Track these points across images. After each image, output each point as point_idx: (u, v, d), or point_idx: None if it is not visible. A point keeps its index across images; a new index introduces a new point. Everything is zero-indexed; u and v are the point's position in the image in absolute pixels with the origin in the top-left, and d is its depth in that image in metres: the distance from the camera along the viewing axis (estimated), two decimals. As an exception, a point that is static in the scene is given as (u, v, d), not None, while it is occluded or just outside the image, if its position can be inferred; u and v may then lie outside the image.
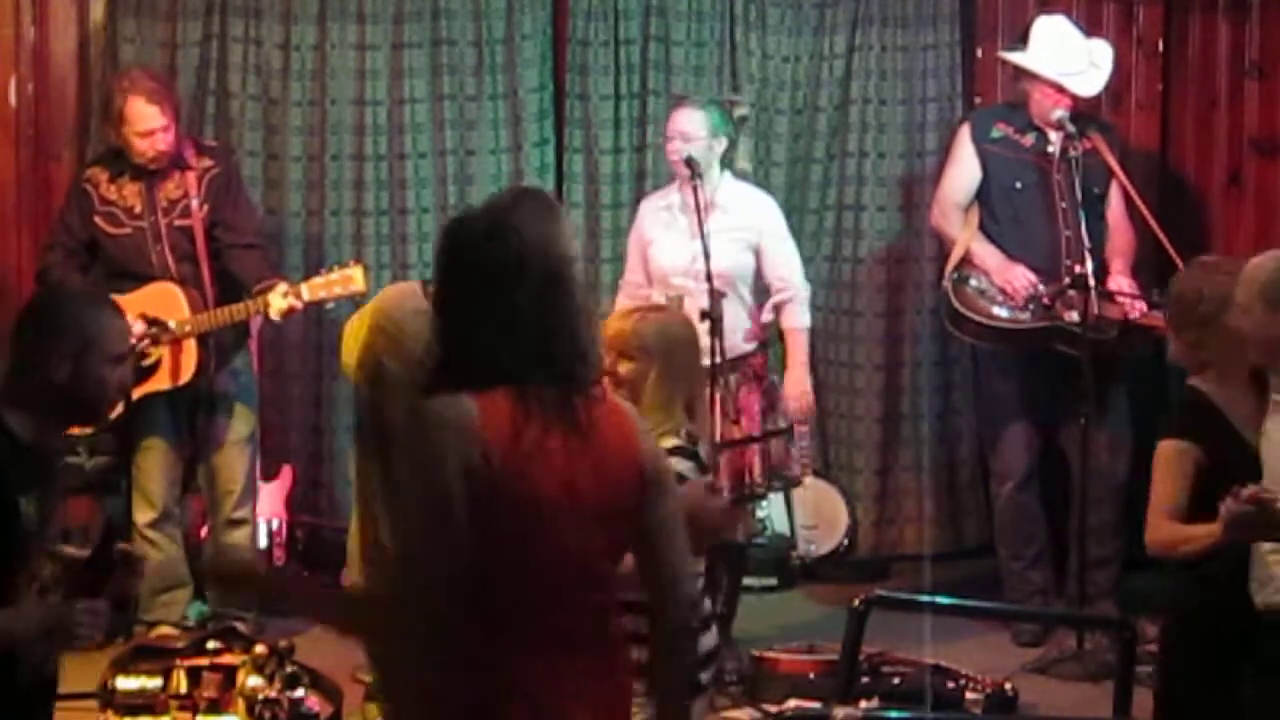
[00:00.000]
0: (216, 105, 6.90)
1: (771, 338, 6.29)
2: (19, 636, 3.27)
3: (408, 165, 7.03)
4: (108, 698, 5.02)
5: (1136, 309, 6.20)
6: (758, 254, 6.16)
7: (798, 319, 6.25)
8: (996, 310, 6.32)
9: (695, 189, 5.89)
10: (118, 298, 5.96)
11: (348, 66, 6.99)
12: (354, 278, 5.87)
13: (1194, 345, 4.07)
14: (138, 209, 6.03)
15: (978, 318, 6.33)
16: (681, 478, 3.57)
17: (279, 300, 5.86)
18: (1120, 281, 6.31)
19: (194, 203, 6.04)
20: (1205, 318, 4.04)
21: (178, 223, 6.03)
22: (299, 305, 5.91)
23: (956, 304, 6.37)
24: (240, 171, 6.44)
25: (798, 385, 6.20)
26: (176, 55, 6.84)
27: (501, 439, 2.76)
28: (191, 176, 6.06)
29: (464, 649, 2.78)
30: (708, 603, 3.94)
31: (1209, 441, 3.96)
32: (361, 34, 6.98)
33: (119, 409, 3.34)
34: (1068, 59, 6.35)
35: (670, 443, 3.78)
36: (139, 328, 5.75)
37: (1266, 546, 3.81)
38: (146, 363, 5.87)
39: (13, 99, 6.74)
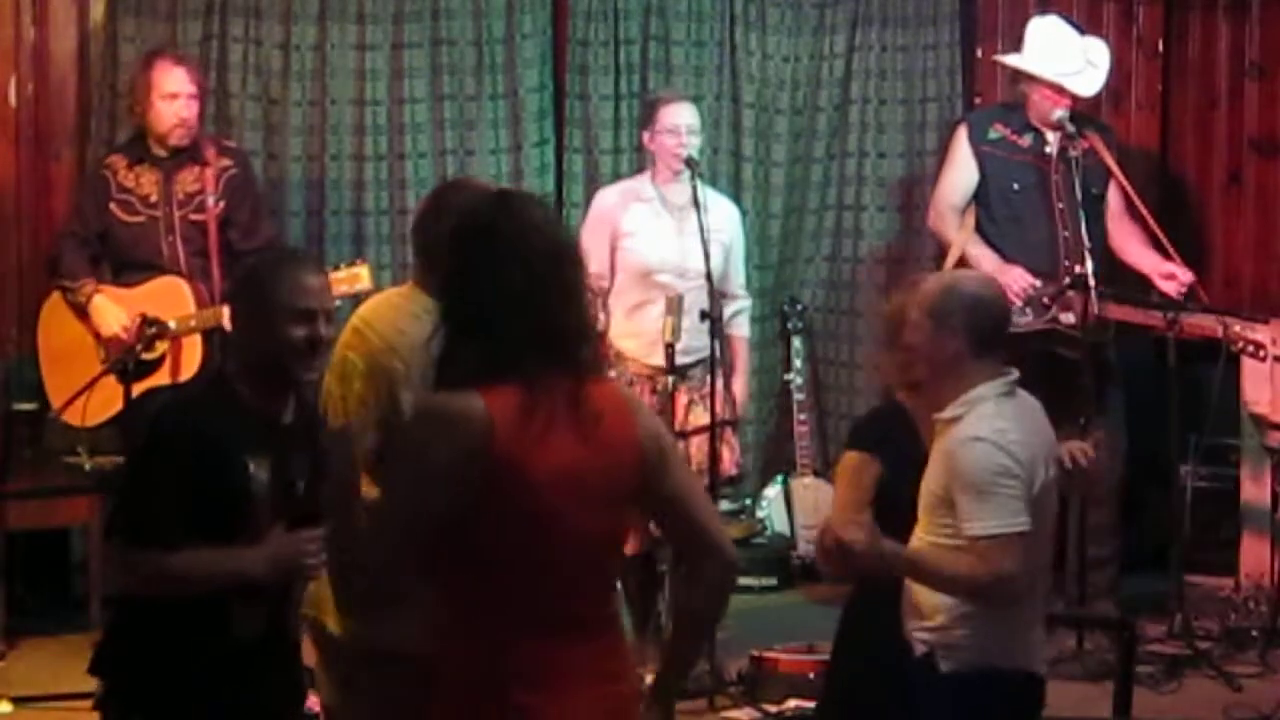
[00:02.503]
0: (216, 105, 6.88)
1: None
2: (248, 571, 3.34)
3: (408, 165, 7.02)
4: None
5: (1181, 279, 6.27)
6: (726, 258, 6.18)
7: (745, 328, 6.35)
8: None
9: (695, 189, 5.87)
10: (124, 290, 6.02)
11: (348, 66, 6.99)
12: (360, 275, 5.88)
13: (903, 365, 3.99)
14: (153, 198, 6.07)
15: None
16: None
17: None
18: (1146, 257, 6.37)
19: (210, 199, 6.07)
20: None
21: (192, 216, 6.07)
22: None
23: None
24: (255, 175, 6.47)
25: (744, 392, 6.32)
26: (176, 55, 6.84)
27: (509, 432, 2.80)
28: (210, 173, 6.10)
29: (473, 632, 2.85)
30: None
31: (890, 454, 3.98)
32: (361, 34, 6.98)
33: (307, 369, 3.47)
34: (1064, 59, 6.34)
35: None
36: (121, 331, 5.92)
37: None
38: (150, 357, 5.87)
39: (13, 99, 6.74)
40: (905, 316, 3.90)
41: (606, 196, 6.28)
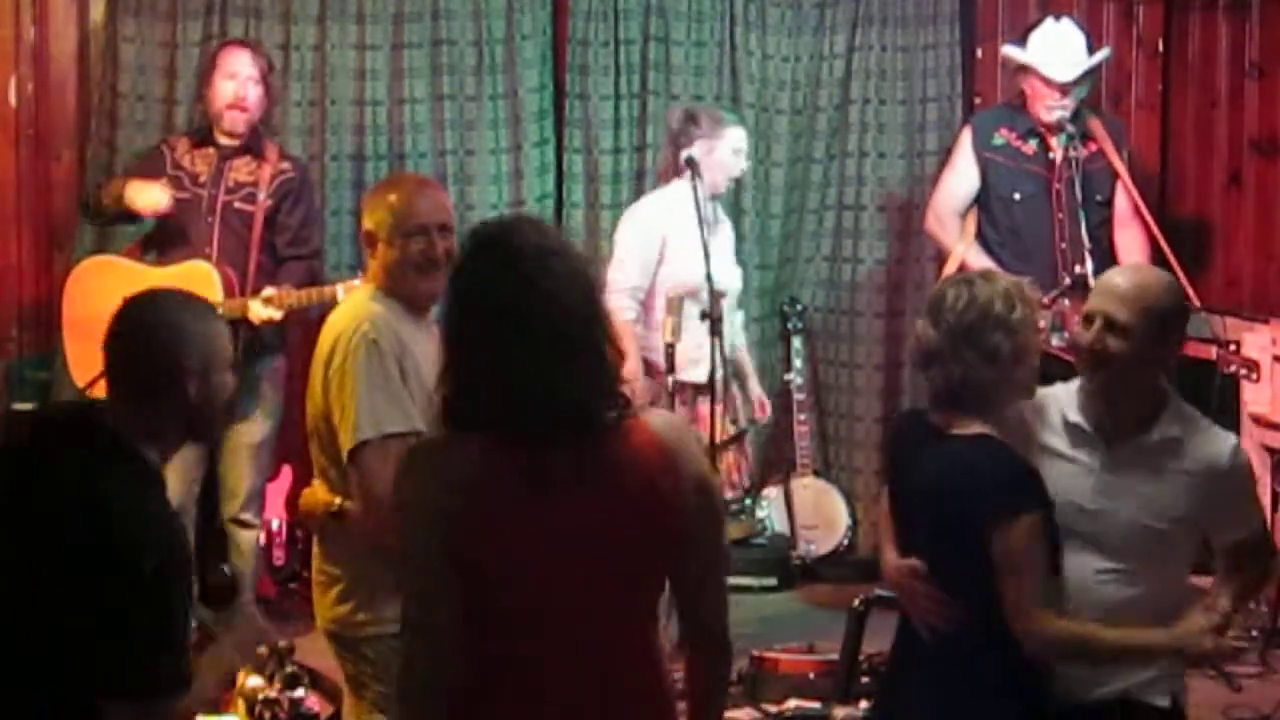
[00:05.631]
0: (217, 105, 6.90)
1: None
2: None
3: (408, 165, 7.02)
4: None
5: None
6: None
7: (743, 334, 6.35)
8: None
9: (695, 189, 5.86)
10: (152, 270, 6.01)
11: (348, 66, 6.99)
12: (325, 293, 5.87)
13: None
14: (203, 178, 6.11)
15: None
16: None
17: (259, 308, 5.87)
18: None
19: (261, 193, 6.09)
20: None
21: (238, 204, 6.09)
22: (277, 316, 5.91)
23: None
24: (313, 189, 6.49)
25: (760, 393, 6.31)
26: (176, 55, 6.84)
27: (480, 489, 2.65)
28: (267, 169, 6.13)
29: (455, 697, 2.71)
30: None
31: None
32: (361, 34, 6.99)
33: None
34: (1054, 50, 6.31)
35: None
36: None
37: None
38: None
39: (13, 99, 6.74)
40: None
41: (653, 209, 6.10)
